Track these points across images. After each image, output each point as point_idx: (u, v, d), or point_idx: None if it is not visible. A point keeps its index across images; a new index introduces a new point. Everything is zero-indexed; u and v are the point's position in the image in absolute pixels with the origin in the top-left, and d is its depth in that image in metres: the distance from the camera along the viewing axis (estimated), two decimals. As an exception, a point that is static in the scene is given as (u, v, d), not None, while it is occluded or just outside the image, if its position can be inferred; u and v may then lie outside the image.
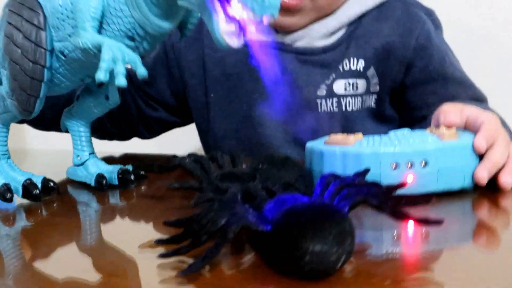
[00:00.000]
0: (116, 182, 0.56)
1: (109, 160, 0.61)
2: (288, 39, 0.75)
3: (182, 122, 0.87)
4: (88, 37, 0.46)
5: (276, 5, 0.40)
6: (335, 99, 0.74)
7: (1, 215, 0.51)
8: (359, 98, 0.75)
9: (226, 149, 0.70)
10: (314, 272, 0.31)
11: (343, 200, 0.34)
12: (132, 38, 0.48)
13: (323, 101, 0.74)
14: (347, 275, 0.32)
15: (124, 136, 0.86)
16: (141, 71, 0.45)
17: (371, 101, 0.76)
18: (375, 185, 0.37)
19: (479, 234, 0.42)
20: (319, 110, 0.75)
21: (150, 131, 0.85)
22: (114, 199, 0.53)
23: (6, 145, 0.55)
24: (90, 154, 0.59)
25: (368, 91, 0.75)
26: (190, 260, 0.34)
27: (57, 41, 0.50)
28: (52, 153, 0.85)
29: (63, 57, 0.50)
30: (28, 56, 0.49)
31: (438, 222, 0.33)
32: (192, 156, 0.48)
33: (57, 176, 0.59)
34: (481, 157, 0.46)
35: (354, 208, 0.34)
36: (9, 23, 0.50)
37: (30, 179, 0.53)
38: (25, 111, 0.51)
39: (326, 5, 0.73)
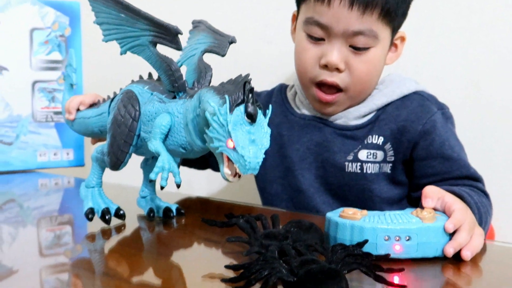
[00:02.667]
0: (161, 215, 0.83)
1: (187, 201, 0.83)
2: (330, 118, 0.97)
3: None
4: (155, 144, 0.70)
5: (255, 168, 0.59)
6: (358, 164, 0.95)
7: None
8: (377, 165, 0.95)
9: (273, 192, 0.98)
10: (321, 311, 0.48)
11: (344, 265, 0.53)
12: (184, 148, 0.70)
13: (350, 164, 0.95)
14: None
15: (203, 168, 1.15)
16: (177, 180, 0.68)
17: (387, 168, 0.95)
18: (368, 255, 0.55)
19: (446, 289, 0.60)
20: (346, 170, 0.95)
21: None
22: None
23: (101, 178, 0.80)
24: (151, 192, 0.84)
25: (385, 160, 0.95)
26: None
27: (143, 132, 0.74)
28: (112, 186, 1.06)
29: (143, 141, 0.74)
30: (123, 136, 0.73)
31: (403, 286, 0.51)
32: (244, 217, 0.68)
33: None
34: (450, 234, 0.64)
35: (350, 271, 0.53)
36: (118, 109, 0.74)
37: (107, 207, 0.78)
38: (112, 168, 0.75)
39: (356, 96, 0.95)
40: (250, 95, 0.59)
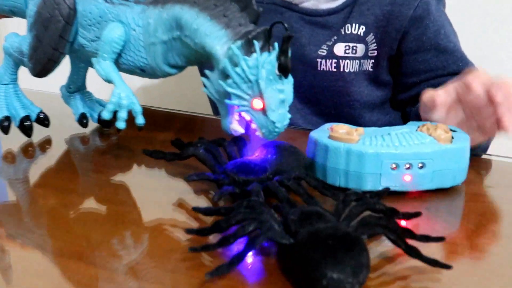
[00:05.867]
0: (95, 121, 0.68)
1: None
2: (295, 0, 0.77)
3: None
4: (105, 68, 0.53)
5: (278, 133, 0.48)
6: (334, 60, 0.78)
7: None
8: (357, 61, 0.78)
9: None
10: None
11: (362, 227, 0.37)
12: (143, 70, 0.55)
13: (323, 61, 0.78)
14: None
15: None
16: (140, 121, 0.54)
17: (368, 65, 0.79)
18: (393, 213, 0.40)
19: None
20: (319, 69, 0.78)
21: None
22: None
23: (16, 73, 0.63)
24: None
25: (366, 56, 0.78)
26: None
27: (81, 37, 0.56)
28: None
29: (82, 47, 0.56)
30: (51, 42, 0.55)
31: (447, 266, 0.35)
32: (202, 144, 0.51)
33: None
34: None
35: (372, 237, 0.38)
36: (44, 2, 0.54)
37: (28, 115, 0.62)
38: (35, 75, 0.58)
39: None
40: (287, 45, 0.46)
